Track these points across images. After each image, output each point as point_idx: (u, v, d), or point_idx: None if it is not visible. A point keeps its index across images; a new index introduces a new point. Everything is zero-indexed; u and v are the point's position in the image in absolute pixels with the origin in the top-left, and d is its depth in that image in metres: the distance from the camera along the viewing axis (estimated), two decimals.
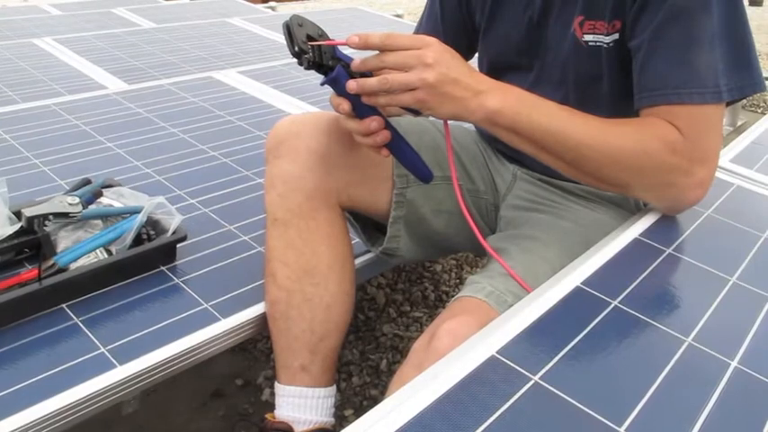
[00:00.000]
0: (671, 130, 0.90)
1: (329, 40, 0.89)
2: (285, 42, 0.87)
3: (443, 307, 1.83)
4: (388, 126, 0.93)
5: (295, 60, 0.88)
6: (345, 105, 0.90)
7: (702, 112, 0.91)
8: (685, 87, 0.90)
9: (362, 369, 1.58)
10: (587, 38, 1.00)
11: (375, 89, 0.86)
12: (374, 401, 1.49)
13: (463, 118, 0.89)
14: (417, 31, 1.22)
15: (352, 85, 0.86)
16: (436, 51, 0.86)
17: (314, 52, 0.87)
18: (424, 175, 1.01)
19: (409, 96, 0.86)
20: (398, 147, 0.97)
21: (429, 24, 1.21)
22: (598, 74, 1.00)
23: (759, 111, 3.94)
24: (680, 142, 0.90)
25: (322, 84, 0.89)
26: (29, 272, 1.06)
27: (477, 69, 1.20)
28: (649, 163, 0.91)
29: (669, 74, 0.91)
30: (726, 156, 1.49)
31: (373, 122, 0.91)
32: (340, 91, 0.89)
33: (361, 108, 0.90)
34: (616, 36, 0.98)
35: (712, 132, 0.93)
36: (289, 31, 0.86)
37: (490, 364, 0.68)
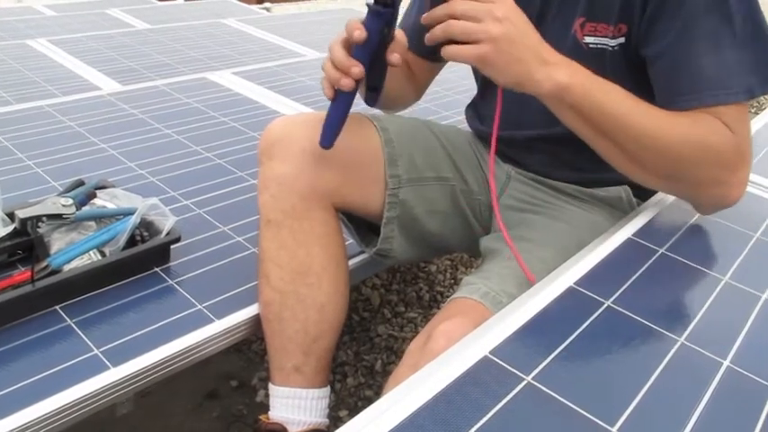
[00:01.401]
0: (723, 126, 0.90)
1: None
2: None
3: (438, 308, 1.84)
4: (357, 84, 0.93)
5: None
6: (362, 34, 0.89)
7: (741, 111, 0.92)
8: (723, 88, 0.90)
9: (357, 370, 1.58)
10: (588, 39, 1.00)
11: (438, 37, 0.85)
12: (369, 402, 1.49)
13: (525, 86, 0.86)
14: (407, 23, 1.21)
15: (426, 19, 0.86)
16: (509, 8, 0.84)
17: None
18: (324, 140, 1.00)
19: (471, 50, 0.83)
20: (343, 103, 0.97)
21: (411, 18, 1.20)
22: (601, 74, 1.00)
23: (752, 111, 3.95)
24: (732, 138, 0.90)
25: (371, 8, 0.89)
26: (22, 273, 1.06)
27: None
28: (707, 157, 0.90)
29: (705, 76, 0.91)
30: None
31: (356, 68, 0.91)
32: (372, 29, 0.89)
33: (362, 52, 0.90)
34: (622, 40, 0.98)
35: (748, 130, 0.94)
36: None
37: (483, 364, 0.68)
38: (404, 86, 1.23)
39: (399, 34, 0.96)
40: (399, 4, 0.90)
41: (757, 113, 2.62)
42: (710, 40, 0.90)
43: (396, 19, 0.92)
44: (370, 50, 0.92)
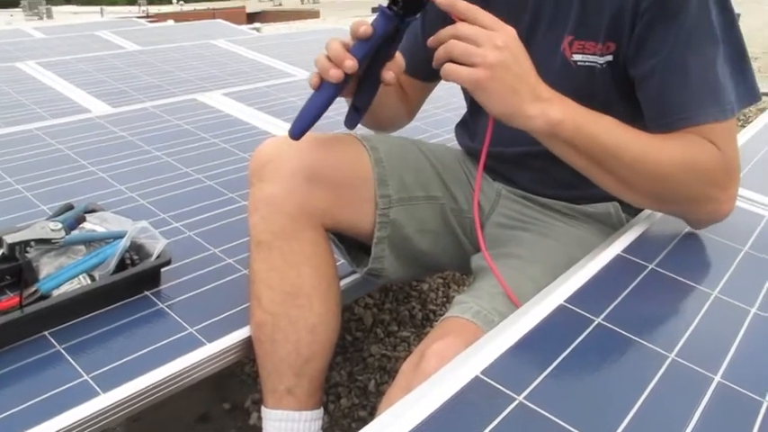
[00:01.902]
0: (711, 145, 0.92)
1: None
2: None
3: (431, 326, 1.83)
4: (345, 81, 0.93)
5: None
6: (368, 30, 0.90)
7: (728, 127, 0.94)
8: (712, 106, 0.92)
9: (351, 390, 1.57)
10: (576, 57, 1.01)
11: (441, 58, 0.86)
12: (363, 423, 1.48)
13: (516, 119, 0.87)
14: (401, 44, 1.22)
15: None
16: (510, 38, 0.85)
17: None
18: (294, 130, 0.98)
19: (467, 72, 0.84)
20: (323, 95, 0.96)
21: (409, 39, 1.21)
22: (591, 93, 1.01)
23: (739, 123, 3.99)
24: (720, 156, 0.92)
25: (381, 8, 0.89)
26: (10, 299, 1.05)
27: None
28: (697, 178, 0.92)
29: (694, 96, 0.93)
30: None
31: (351, 61, 0.91)
32: (383, 29, 0.90)
33: (360, 50, 0.91)
34: (610, 58, 0.99)
35: (736, 146, 0.96)
36: None
37: (474, 385, 0.67)
38: (397, 106, 1.23)
39: (398, 55, 0.97)
40: (406, 29, 0.91)
41: (744, 126, 2.64)
42: (697, 60, 0.92)
43: (400, 40, 0.92)
44: (368, 50, 0.91)
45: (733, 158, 0.95)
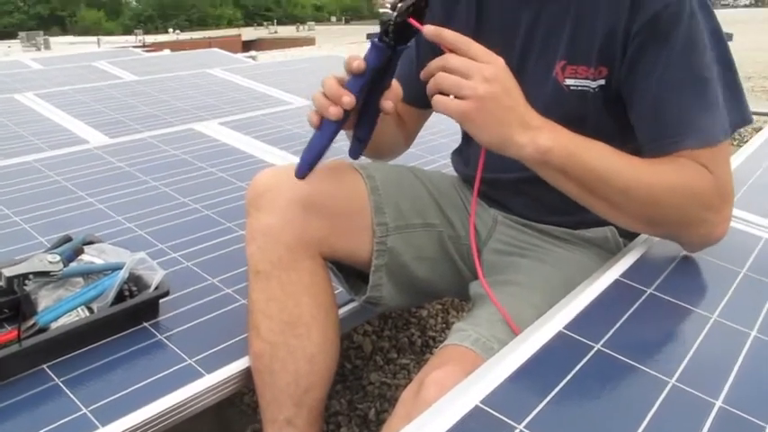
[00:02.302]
0: (703, 169, 0.92)
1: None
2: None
3: (431, 353, 1.82)
4: (344, 118, 0.93)
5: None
6: (362, 64, 0.89)
7: (721, 150, 0.94)
8: (704, 130, 0.93)
9: (351, 419, 1.56)
10: (569, 82, 1.02)
11: (431, 90, 0.87)
12: None
13: (507, 148, 0.88)
14: (397, 71, 1.23)
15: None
16: (500, 70, 0.85)
17: (401, 27, 0.87)
18: (300, 169, 0.99)
19: (456, 105, 0.84)
20: (325, 133, 0.95)
21: (404, 65, 1.22)
22: (582, 116, 1.02)
23: (734, 143, 4.01)
24: (712, 180, 0.92)
25: (373, 41, 0.89)
26: (8, 333, 1.05)
27: None
28: (690, 201, 0.93)
29: (685, 120, 0.93)
30: None
31: (348, 97, 0.90)
32: (376, 62, 0.90)
33: (356, 85, 0.91)
34: (602, 82, 1.00)
35: (729, 168, 0.96)
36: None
37: (474, 414, 0.67)
38: (395, 134, 1.24)
39: (395, 83, 0.98)
40: (399, 56, 0.91)
41: (739, 146, 2.66)
42: (688, 83, 0.93)
43: (395, 68, 0.93)
44: (364, 84, 0.91)
45: (726, 182, 0.95)
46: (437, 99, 0.86)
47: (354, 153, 1.06)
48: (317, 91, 0.95)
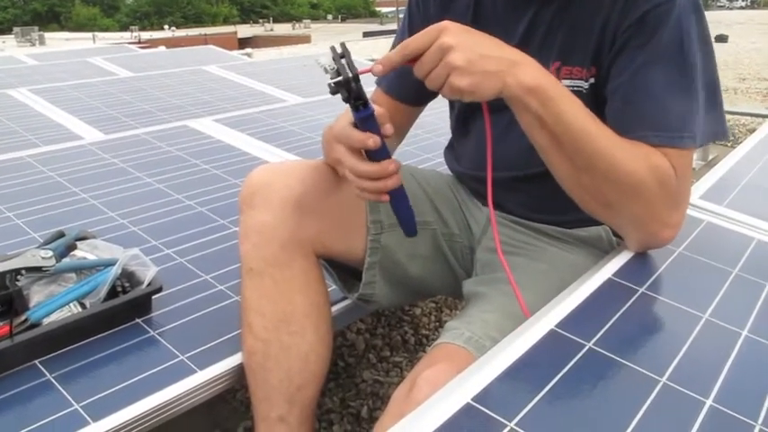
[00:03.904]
0: (670, 167, 0.91)
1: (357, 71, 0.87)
2: (322, 66, 0.85)
3: (424, 351, 1.83)
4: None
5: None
6: (378, 139, 0.88)
7: (686, 156, 0.93)
8: (671, 131, 0.92)
9: (343, 417, 1.56)
10: (565, 83, 1.01)
11: (435, 88, 0.86)
12: None
13: (504, 94, 0.86)
14: None
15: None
16: (452, 33, 0.83)
17: (355, 86, 0.84)
18: (410, 230, 1.01)
19: (447, 87, 0.84)
20: (401, 195, 0.96)
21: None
22: None
23: (729, 144, 4.02)
24: (674, 180, 0.91)
25: (357, 119, 0.88)
26: (0, 328, 1.05)
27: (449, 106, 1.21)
28: (649, 192, 0.91)
29: (654, 118, 0.92)
30: (695, 193, 1.51)
31: (392, 164, 0.90)
32: (370, 127, 0.89)
33: (379, 151, 0.90)
34: (593, 81, 1.00)
35: (689, 176, 0.95)
36: (341, 56, 0.85)
37: (465, 411, 0.67)
38: None
39: (377, 109, 0.93)
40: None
41: (733, 147, 2.66)
42: (660, 85, 0.92)
43: (361, 93, 0.88)
44: (384, 144, 0.90)
45: (686, 188, 0.95)
46: (442, 91, 0.86)
47: None
48: (348, 175, 0.93)
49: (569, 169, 0.92)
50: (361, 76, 0.85)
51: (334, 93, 0.85)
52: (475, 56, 0.83)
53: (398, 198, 0.97)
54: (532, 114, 0.88)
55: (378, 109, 0.90)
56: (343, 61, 0.84)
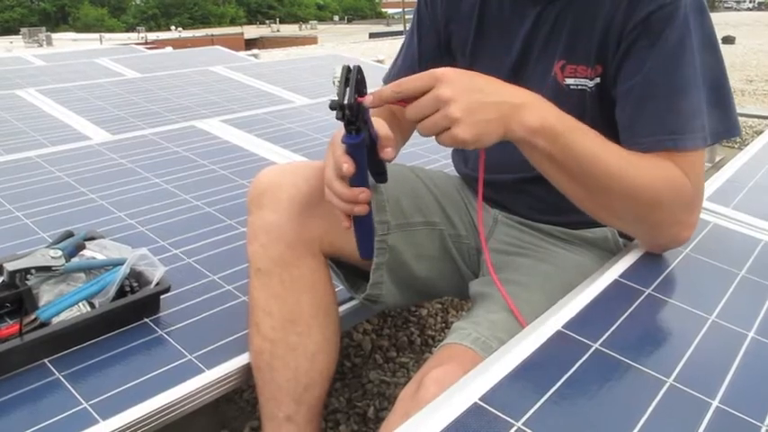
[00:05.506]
0: (680, 171, 0.92)
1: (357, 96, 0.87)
2: (335, 83, 0.84)
3: (430, 351, 1.83)
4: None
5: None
6: (351, 168, 0.89)
7: (697, 157, 0.94)
8: (683, 133, 0.92)
9: (350, 417, 1.57)
10: (569, 81, 1.02)
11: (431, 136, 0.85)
12: None
13: (509, 136, 0.85)
14: (391, 72, 1.24)
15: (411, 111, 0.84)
16: (449, 82, 0.81)
17: (356, 109, 0.85)
18: (366, 252, 1.04)
19: (448, 137, 0.82)
20: (363, 220, 0.99)
21: (405, 64, 1.22)
22: (580, 114, 1.02)
23: (736, 146, 4.01)
24: (687, 185, 0.92)
25: (345, 143, 0.89)
26: (10, 327, 1.05)
27: None
28: (666, 202, 0.92)
29: (666, 120, 0.93)
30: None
31: (363, 194, 0.92)
32: (355, 153, 0.89)
33: (358, 177, 0.91)
34: (598, 80, 1.00)
35: (702, 176, 0.96)
36: (347, 77, 0.84)
37: (473, 411, 0.68)
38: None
39: (383, 131, 0.95)
40: (368, 119, 0.90)
41: (741, 149, 2.65)
42: (672, 86, 0.93)
43: (367, 122, 0.89)
44: (365, 172, 0.92)
45: (699, 188, 0.95)
46: (438, 139, 0.84)
47: (382, 180, 1.08)
48: (329, 191, 0.95)
49: (583, 193, 0.93)
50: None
51: (332, 109, 0.85)
52: (475, 105, 0.82)
53: (363, 222, 0.99)
54: (540, 152, 0.88)
55: (384, 132, 0.91)
56: (346, 87, 0.83)
